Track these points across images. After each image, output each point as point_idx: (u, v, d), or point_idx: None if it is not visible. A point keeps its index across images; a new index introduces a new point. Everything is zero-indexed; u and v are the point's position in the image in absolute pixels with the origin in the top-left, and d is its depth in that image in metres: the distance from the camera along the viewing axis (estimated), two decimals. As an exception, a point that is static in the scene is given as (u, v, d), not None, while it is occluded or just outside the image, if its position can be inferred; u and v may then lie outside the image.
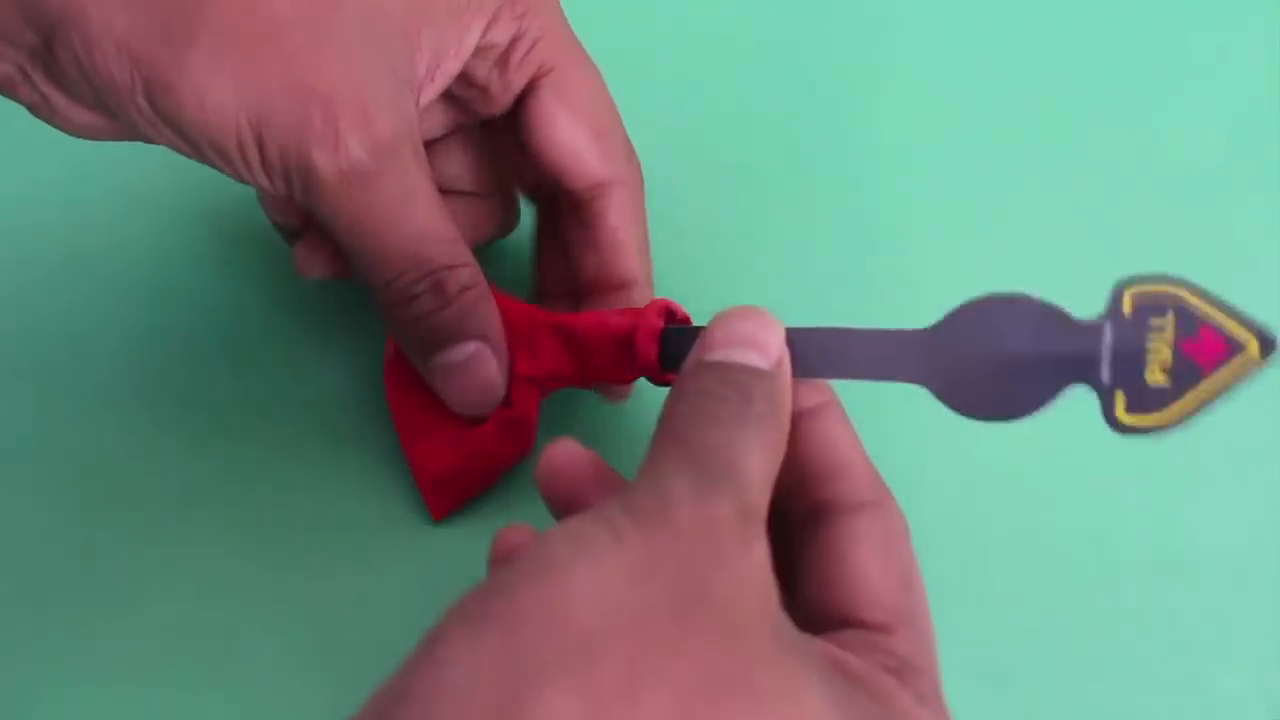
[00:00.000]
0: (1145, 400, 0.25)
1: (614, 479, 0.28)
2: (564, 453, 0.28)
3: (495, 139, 0.36)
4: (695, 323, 0.32)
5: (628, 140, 0.35)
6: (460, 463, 0.34)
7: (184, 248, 0.39)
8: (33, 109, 0.30)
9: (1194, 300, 0.25)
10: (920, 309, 0.38)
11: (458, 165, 0.36)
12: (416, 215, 0.30)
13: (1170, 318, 0.25)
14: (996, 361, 0.27)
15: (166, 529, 0.35)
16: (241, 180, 0.30)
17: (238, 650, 0.34)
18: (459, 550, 0.35)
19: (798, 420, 0.27)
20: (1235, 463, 0.36)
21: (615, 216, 0.34)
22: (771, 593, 0.23)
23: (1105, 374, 0.26)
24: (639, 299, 0.34)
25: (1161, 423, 0.25)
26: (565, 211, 0.35)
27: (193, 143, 0.29)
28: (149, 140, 0.30)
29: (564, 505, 0.28)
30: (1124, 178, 0.41)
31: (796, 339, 0.27)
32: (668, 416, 0.25)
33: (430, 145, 0.35)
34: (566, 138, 0.33)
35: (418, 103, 0.31)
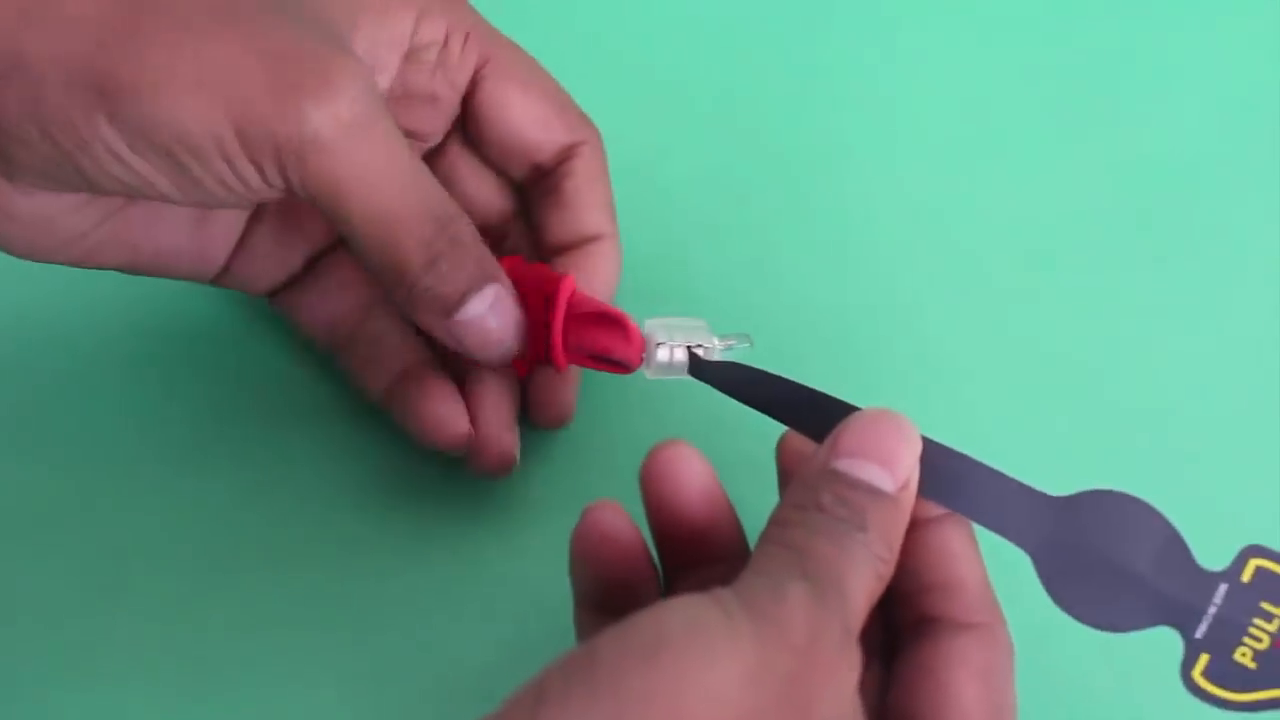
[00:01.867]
0: (1224, 673, 0.25)
1: (647, 557, 0.28)
2: (609, 522, 0.27)
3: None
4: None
5: (581, 110, 0.35)
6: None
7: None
8: None
9: None
10: (908, 317, 0.38)
11: None
12: (420, 167, 0.29)
13: None
14: (1111, 569, 0.26)
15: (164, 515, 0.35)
16: (226, 192, 0.28)
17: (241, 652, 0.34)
18: (461, 547, 0.35)
19: (919, 528, 0.27)
20: (1235, 454, 0.36)
21: (583, 174, 0.34)
22: (859, 715, 0.24)
23: (1200, 631, 0.25)
24: (609, 251, 0.34)
25: (1230, 702, 0.25)
26: (530, 187, 0.35)
27: (170, 151, 0.27)
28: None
29: (599, 572, 0.27)
30: (1119, 179, 0.41)
31: (930, 456, 0.26)
32: (781, 519, 0.25)
33: None
34: (525, 110, 0.33)
35: None
